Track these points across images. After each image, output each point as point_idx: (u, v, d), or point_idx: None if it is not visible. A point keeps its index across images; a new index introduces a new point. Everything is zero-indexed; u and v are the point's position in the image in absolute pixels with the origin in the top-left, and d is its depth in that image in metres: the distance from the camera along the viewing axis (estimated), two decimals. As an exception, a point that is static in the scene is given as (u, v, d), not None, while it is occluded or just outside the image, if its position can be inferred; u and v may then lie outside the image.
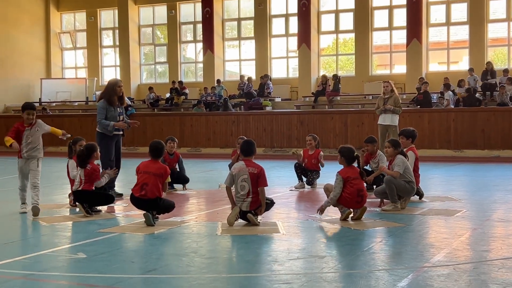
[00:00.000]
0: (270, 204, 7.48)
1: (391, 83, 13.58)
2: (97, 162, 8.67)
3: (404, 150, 9.06)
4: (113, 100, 9.74)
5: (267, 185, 7.33)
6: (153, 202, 7.33)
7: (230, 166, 10.64)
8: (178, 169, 10.84)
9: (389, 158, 8.79)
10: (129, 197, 7.67)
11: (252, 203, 7.19)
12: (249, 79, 24.27)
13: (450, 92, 20.16)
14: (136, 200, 7.41)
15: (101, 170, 8.49)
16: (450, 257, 5.63)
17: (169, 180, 7.61)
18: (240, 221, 7.28)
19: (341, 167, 7.68)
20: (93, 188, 8.15)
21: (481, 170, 13.78)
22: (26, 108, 8.37)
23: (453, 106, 19.73)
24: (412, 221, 7.44)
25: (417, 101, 20.15)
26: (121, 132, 9.94)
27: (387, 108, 13.18)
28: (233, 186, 7.34)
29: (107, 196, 8.41)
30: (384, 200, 8.49)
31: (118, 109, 9.85)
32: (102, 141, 9.50)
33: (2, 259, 5.66)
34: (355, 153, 7.66)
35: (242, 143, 7.72)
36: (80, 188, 8.08)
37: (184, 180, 10.83)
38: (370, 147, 10.07)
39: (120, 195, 9.65)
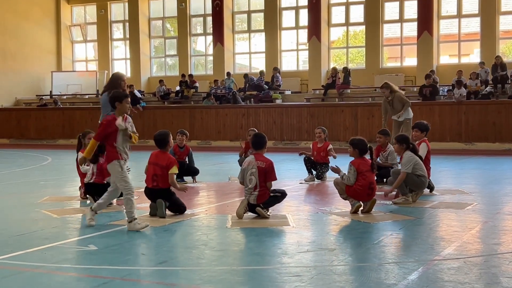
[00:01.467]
0: (281, 196, 7.48)
1: (390, 85, 13.48)
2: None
3: (417, 142, 9.05)
4: None
5: (275, 179, 7.32)
6: (166, 192, 7.38)
7: (239, 162, 10.65)
8: (187, 162, 10.86)
9: (398, 154, 8.78)
10: (138, 190, 7.70)
11: (259, 197, 7.20)
12: (261, 72, 24.21)
13: (463, 89, 19.86)
14: (150, 191, 7.47)
15: None
16: (460, 250, 5.61)
17: (175, 171, 7.58)
18: (249, 214, 7.29)
19: (351, 159, 7.66)
20: (105, 181, 8.17)
21: (492, 163, 13.72)
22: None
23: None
24: (422, 214, 7.42)
25: (424, 96, 20.00)
26: None
27: (398, 119, 13.09)
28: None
29: (119, 189, 8.43)
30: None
31: None
32: None
33: (14, 251, 5.70)
34: (368, 145, 7.64)
35: (252, 137, 7.72)
36: (92, 181, 8.11)
37: (193, 172, 10.84)
38: (382, 139, 10.05)
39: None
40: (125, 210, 6.73)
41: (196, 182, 10.76)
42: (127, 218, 6.69)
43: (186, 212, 7.63)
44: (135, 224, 6.58)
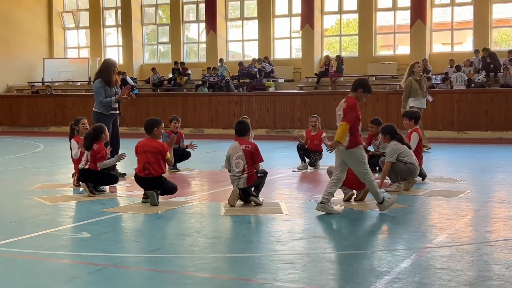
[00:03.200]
0: (264, 176, 7.51)
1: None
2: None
3: (409, 131, 9.08)
4: (111, 80, 9.79)
5: (263, 161, 7.42)
6: (158, 180, 7.37)
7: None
8: (179, 147, 10.81)
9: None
10: (131, 177, 7.69)
11: (248, 179, 7.24)
12: (254, 60, 24.15)
13: (462, 74, 19.91)
14: (141, 180, 7.43)
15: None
16: (452, 238, 5.64)
17: (169, 156, 7.58)
18: (241, 202, 7.30)
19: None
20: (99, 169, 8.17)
21: (484, 152, 13.77)
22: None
23: (465, 87, 19.59)
24: (414, 202, 7.45)
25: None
26: (117, 111, 9.96)
27: (429, 99, 13.36)
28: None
29: (112, 176, 8.43)
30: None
31: (114, 88, 9.88)
32: (100, 121, 9.46)
33: (7, 238, 5.69)
34: None
35: (235, 124, 7.74)
36: (86, 167, 8.10)
37: (186, 156, 10.82)
38: (374, 128, 10.06)
39: (123, 175, 9.67)
40: (371, 194, 6.84)
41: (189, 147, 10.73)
42: (376, 201, 6.78)
43: (179, 200, 7.64)
44: (387, 202, 6.75)
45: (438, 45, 24.07)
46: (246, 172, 7.23)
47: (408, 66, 13.85)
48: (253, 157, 7.29)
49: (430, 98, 14.19)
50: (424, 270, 4.58)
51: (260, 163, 7.39)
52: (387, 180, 8.42)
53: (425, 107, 13.77)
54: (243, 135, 7.50)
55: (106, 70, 9.93)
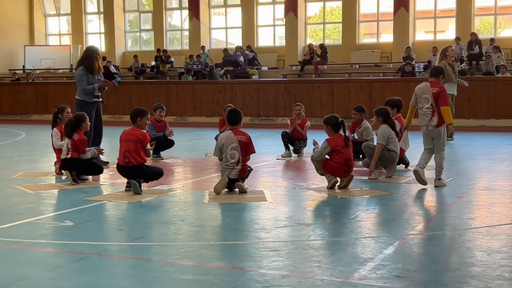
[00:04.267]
0: (251, 169, 7.58)
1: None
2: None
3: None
4: (94, 68, 9.70)
5: (255, 152, 7.45)
6: (139, 169, 7.29)
7: (217, 138, 10.60)
8: (163, 135, 10.77)
9: (375, 127, 8.83)
10: (114, 165, 7.64)
11: (241, 171, 7.26)
12: (237, 47, 24.06)
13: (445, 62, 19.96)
14: (122, 169, 7.37)
15: None
16: (435, 224, 5.69)
17: (149, 147, 7.54)
18: (225, 190, 7.30)
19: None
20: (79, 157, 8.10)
21: (466, 139, 13.87)
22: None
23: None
24: (398, 190, 7.49)
25: (403, 72, 20.15)
26: (100, 99, 9.88)
27: (465, 84, 13.14)
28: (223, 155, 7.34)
29: (96, 166, 8.36)
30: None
31: (96, 76, 9.80)
32: (82, 109, 9.36)
33: (-12, 227, 5.64)
34: (340, 119, 7.67)
35: (228, 112, 7.71)
36: (68, 157, 8.02)
37: (169, 144, 10.78)
38: (358, 115, 10.07)
39: (106, 163, 9.61)
40: (436, 169, 7.63)
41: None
42: (435, 175, 7.63)
43: (163, 188, 7.61)
44: (441, 181, 7.58)
45: (421, 33, 24.15)
46: (240, 164, 7.22)
47: (441, 50, 13.21)
48: (247, 148, 7.27)
49: (465, 83, 13.71)
50: (408, 257, 4.61)
51: (251, 154, 7.38)
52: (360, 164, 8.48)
53: (456, 93, 13.32)
54: (236, 123, 7.43)
55: (88, 57, 9.83)
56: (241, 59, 23.24)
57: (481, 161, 10.40)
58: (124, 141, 7.38)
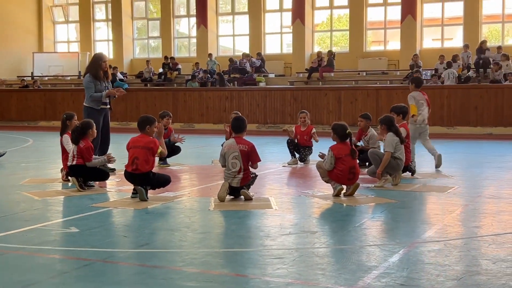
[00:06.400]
0: (256, 177, 7.56)
1: None
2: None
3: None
4: (99, 74, 9.72)
5: (260, 160, 7.40)
6: (146, 176, 7.31)
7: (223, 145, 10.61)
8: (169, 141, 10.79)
9: (380, 135, 8.82)
10: (121, 172, 7.66)
11: (242, 180, 7.23)
12: (244, 55, 24.12)
13: (453, 71, 19.96)
14: (129, 175, 7.39)
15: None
16: (441, 233, 5.67)
17: (161, 152, 7.56)
18: (230, 197, 7.30)
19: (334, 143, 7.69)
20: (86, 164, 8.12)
21: (473, 147, 13.83)
22: None
23: (455, 83, 19.65)
24: (404, 198, 7.47)
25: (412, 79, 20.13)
26: (108, 106, 9.91)
27: None
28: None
29: (103, 172, 8.38)
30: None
31: (104, 83, 9.82)
32: (90, 116, 9.41)
33: (-5, 233, 5.66)
34: (348, 130, 7.64)
35: (232, 120, 7.70)
36: (74, 163, 8.05)
37: (176, 151, 10.80)
38: (363, 122, 10.08)
39: (113, 170, 9.63)
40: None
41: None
42: None
43: (168, 195, 7.63)
44: None
45: (428, 41, 24.14)
46: (242, 172, 7.22)
47: None
48: (250, 157, 7.25)
49: None
50: (412, 265, 4.60)
51: (257, 163, 7.33)
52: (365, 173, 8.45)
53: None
54: (240, 131, 7.42)
55: (94, 64, 9.87)
56: (248, 65, 23.28)
57: (488, 169, 10.37)
58: (132, 148, 7.40)
